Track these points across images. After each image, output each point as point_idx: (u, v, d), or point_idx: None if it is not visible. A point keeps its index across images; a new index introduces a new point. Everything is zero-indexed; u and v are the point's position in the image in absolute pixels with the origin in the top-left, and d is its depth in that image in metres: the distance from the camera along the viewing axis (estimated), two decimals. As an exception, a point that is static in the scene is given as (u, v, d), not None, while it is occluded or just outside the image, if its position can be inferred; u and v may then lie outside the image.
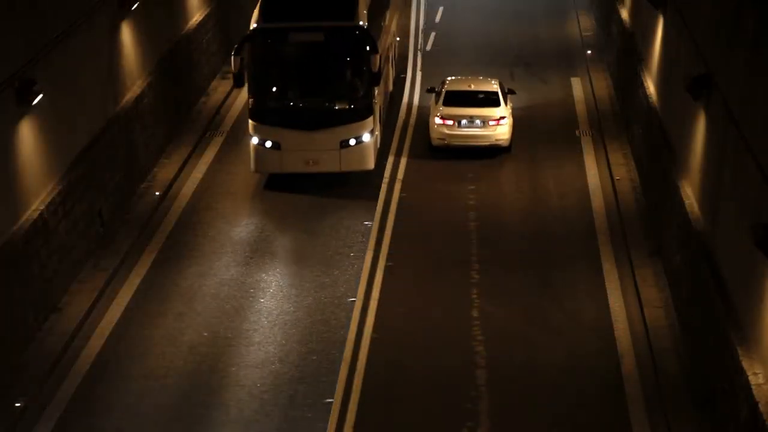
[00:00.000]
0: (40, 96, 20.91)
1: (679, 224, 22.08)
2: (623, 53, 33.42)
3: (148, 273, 24.31)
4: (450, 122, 30.19)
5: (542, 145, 31.23)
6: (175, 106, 31.46)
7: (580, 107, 34.18)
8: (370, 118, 27.84)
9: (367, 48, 26.99)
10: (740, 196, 17.64)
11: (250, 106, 27.90)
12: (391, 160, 30.20)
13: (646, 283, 23.31)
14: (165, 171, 29.11)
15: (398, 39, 37.07)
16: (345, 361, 20.89)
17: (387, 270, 24.45)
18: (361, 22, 27.25)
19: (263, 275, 24.30)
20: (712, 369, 18.36)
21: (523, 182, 28.94)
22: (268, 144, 27.61)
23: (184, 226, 26.56)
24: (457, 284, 23.82)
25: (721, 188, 19.14)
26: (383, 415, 19.49)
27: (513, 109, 31.70)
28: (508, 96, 31.56)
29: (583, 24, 42.60)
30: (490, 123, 30.12)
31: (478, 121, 30.13)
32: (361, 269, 24.38)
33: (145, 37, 28.64)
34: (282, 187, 28.39)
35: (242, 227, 26.53)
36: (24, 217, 21.09)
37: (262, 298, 23.34)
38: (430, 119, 30.89)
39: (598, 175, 29.14)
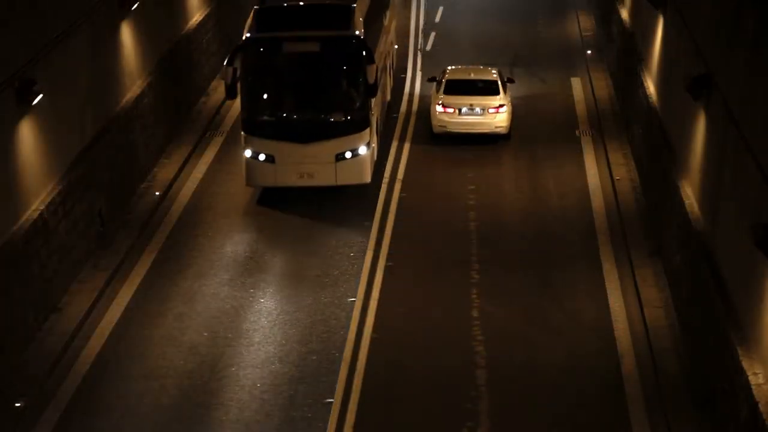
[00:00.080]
0: (40, 96, 20.91)
1: (679, 224, 22.08)
2: (623, 53, 33.43)
3: (148, 273, 24.32)
4: (451, 110, 31.13)
5: (542, 145, 31.24)
6: (175, 106, 31.47)
7: (580, 107, 34.19)
8: (367, 130, 27.05)
9: (364, 58, 26.24)
10: (740, 196, 17.64)
11: (242, 118, 27.12)
12: (389, 164, 30.22)
13: (646, 283, 23.31)
14: (165, 171, 29.11)
15: (396, 47, 36.69)
16: (345, 361, 20.89)
17: (387, 270, 24.45)
18: (357, 32, 26.52)
19: (263, 275, 24.30)
20: (712, 369, 18.36)
21: (523, 182, 28.95)
22: (262, 157, 26.81)
23: (184, 226, 26.56)
24: (457, 284, 23.82)
25: (721, 188, 19.14)
26: (383, 415, 19.49)
27: (513, 99, 32.28)
28: (507, 85, 32.35)
29: (583, 24, 42.61)
30: (490, 111, 31.05)
31: (477, 109, 31.04)
32: (361, 269, 24.39)
33: (145, 37, 28.64)
34: (282, 187, 28.36)
35: (242, 227, 26.53)
36: (24, 217, 21.09)
37: (262, 298, 23.34)
38: (431, 107, 31.83)
39: (598, 175, 29.14)
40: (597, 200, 27.74)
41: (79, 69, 24.00)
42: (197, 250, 25.41)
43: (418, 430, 19.12)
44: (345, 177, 27.07)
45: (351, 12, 26.80)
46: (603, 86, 35.45)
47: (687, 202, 21.49)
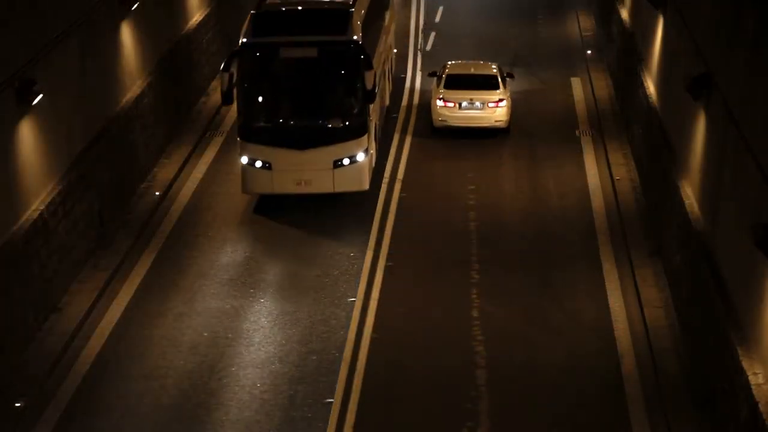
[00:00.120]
0: (40, 96, 20.91)
1: (679, 224, 22.08)
2: (623, 53, 33.43)
3: (148, 273, 24.32)
4: (451, 104, 31.58)
5: (542, 145, 31.24)
6: (175, 106, 31.46)
7: (580, 107, 34.19)
8: (365, 137, 26.61)
9: (362, 63, 25.85)
10: (740, 196, 17.64)
11: (239, 125, 26.66)
12: (389, 164, 30.23)
13: (646, 283, 23.32)
14: (165, 171, 29.11)
15: (395, 51, 36.44)
16: (345, 361, 20.89)
17: (387, 270, 24.45)
18: (355, 37, 26.04)
19: (263, 275, 24.30)
20: (712, 369, 18.36)
21: (523, 182, 28.95)
22: (258, 164, 26.36)
23: (184, 226, 26.56)
24: (457, 284, 23.82)
25: (721, 188, 19.14)
26: (383, 415, 19.49)
27: (513, 96, 32.69)
28: (507, 79, 32.77)
29: (583, 24, 42.61)
30: (489, 105, 31.47)
31: (477, 103, 31.46)
32: (361, 269, 24.39)
33: (145, 37, 28.64)
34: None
35: (242, 227, 26.52)
36: (24, 217, 21.10)
37: (262, 298, 23.34)
38: (432, 101, 32.22)
39: (598, 175, 29.14)
40: (597, 200, 27.74)
41: (79, 69, 24.00)
42: (197, 250, 25.41)
43: (418, 430, 19.11)
44: (343, 184, 26.65)
45: (349, 16, 26.37)
46: (603, 86, 35.46)
47: (687, 202, 21.49)
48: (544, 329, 22.09)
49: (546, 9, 45.51)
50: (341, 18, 26.39)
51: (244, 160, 26.53)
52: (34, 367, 20.42)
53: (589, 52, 38.92)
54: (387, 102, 32.95)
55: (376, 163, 29.29)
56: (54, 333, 21.50)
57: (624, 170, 29.01)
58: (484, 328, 22.11)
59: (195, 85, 33.71)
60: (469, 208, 27.51)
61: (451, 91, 31.66)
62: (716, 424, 17.86)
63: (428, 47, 40.24)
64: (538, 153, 30.74)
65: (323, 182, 26.49)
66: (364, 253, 25.10)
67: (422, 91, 35.50)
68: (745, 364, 16.26)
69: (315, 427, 19.01)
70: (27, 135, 21.24)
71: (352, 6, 26.94)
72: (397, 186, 28.72)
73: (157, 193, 27.71)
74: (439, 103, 31.65)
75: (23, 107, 20.87)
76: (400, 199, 28.01)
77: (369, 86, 25.95)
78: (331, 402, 19.66)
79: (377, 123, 29.15)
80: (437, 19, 44.18)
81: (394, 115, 33.51)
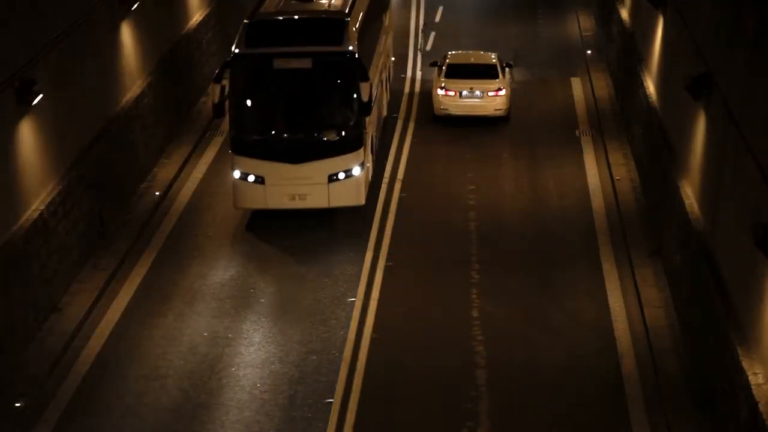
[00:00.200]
0: (40, 96, 20.91)
1: (679, 224, 22.08)
2: (623, 53, 33.43)
3: (148, 273, 24.32)
4: (452, 93, 32.39)
5: (542, 145, 31.25)
6: (175, 106, 31.47)
7: (580, 107, 34.19)
8: (361, 150, 25.85)
9: (358, 75, 25.23)
10: (740, 196, 17.64)
11: (231, 137, 25.91)
12: (389, 164, 30.25)
13: (646, 283, 23.31)
14: (165, 171, 29.11)
15: (393, 59, 36.19)
16: (345, 361, 20.89)
17: (387, 270, 24.45)
18: (350, 47, 25.33)
19: (263, 275, 24.30)
20: (712, 369, 18.36)
21: (523, 182, 28.95)
22: (251, 178, 25.64)
23: (184, 226, 26.56)
24: (457, 284, 23.82)
25: (721, 188, 19.14)
26: (383, 415, 19.49)
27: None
28: (506, 69, 33.48)
29: (583, 24, 42.61)
30: (489, 94, 32.29)
31: (477, 92, 32.26)
32: (361, 269, 24.39)
33: (145, 37, 28.64)
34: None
35: (242, 227, 26.51)
36: (24, 217, 21.10)
37: (262, 298, 23.34)
38: (433, 91, 32.95)
39: (598, 175, 29.14)
40: (597, 200, 27.74)
41: (79, 69, 24.00)
42: (197, 250, 25.41)
43: (418, 430, 19.11)
44: (338, 199, 25.96)
45: (345, 26, 25.67)
46: (603, 86, 35.46)
47: (687, 202, 21.49)
48: (544, 329, 22.09)
49: (546, 9, 45.51)
50: (337, 27, 25.69)
51: (236, 174, 25.80)
52: (34, 367, 20.42)
53: (589, 52, 38.92)
54: (385, 112, 32.33)
55: (375, 163, 29.28)
56: (54, 333, 21.50)
57: (624, 170, 29.01)
58: (484, 328, 22.11)
59: (195, 85, 33.71)
60: (469, 208, 27.50)
61: (451, 81, 32.46)
62: (716, 424, 17.86)
63: (428, 47, 40.23)
64: (538, 153, 30.74)
65: (318, 197, 25.84)
66: (364, 253, 25.09)
67: (422, 91, 35.48)
68: (745, 364, 16.26)
69: (315, 427, 19.01)
70: (27, 135, 21.25)
71: (348, 15, 26.31)
72: (397, 186, 28.72)
73: (157, 193, 27.71)
74: (440, 92, 32.45)
75: (23, 107, 20.87)
76: (400, 199, 28.01)
77: (365, 98, 25.29)
78: (331, 402, 19.66)
79: (374, 135, 28.54)
80: (437, 18, 44.18)
81: (394, 115, 33.52)
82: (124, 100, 27.09)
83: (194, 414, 19.42)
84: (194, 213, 27.25)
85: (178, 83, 31.82)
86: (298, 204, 25.90)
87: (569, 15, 44.32)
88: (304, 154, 25.64)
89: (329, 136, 25.76)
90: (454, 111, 32.50)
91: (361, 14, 27.86)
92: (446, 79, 32.54)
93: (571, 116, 33.48)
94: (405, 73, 37.55)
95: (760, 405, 15.35)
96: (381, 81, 30.66)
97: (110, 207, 25.66)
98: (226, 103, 25.53)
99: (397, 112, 33.89)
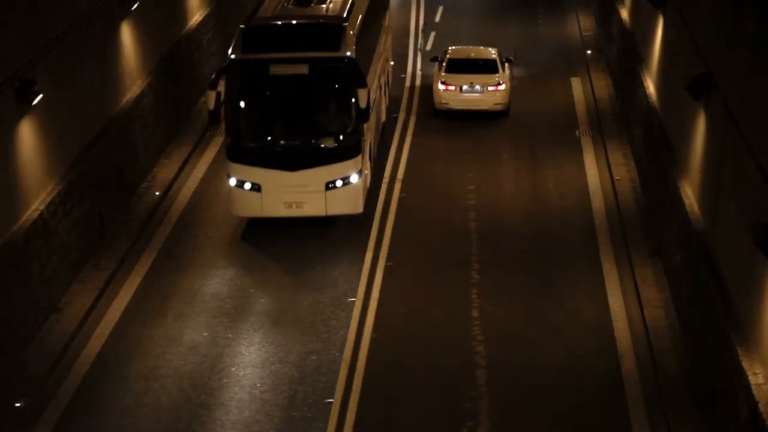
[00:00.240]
0: (40, 96, 20.91)
1: (679, 224, 22.08)
2: (623, 53, 33.43)
3: (148, 273, 24.32)
4: (452, 88, 32.75)
5: (542, 145, 31.25)
6: (175, 106, 31.46)
7: (580, 107, 34.19)
8: (359, 157, 25.46)
9: (355, 81, 24.76)
10: (740, 196, 17.64)
11: (226, 145, 25.50)
12: (389, 163, 30.24)
13: (646, 283, 23.31)
14: (165, 171, 29.11)
15: (392, 63, 36.03)
16: (345, 361, 20.89)
17: (387, 270, 24.45)
18: (348, 53, 24.92)
19: (263, 275, 24.30)
20: (712, 369, 18.36)
21: (523, 182, 28.95)
22: (247, 186, 25.30)
23: (184, 226, 26.56)
24: (457, 284, 23.82)
25: (721, 188, 19.14)
26: (383, 415, 19.49)
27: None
28: (506, 64, 33.82)
29: (583, 24, 42.61)
30: (489, 88, 32.67)
31: (477, 87, 32.66)
32: (361, 269, 24.39)
33: (145, 37, 28.64)
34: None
35: (242, 227, 26.51)
36: (24, 217, 21.10)
37: (262, 298, 23.34)
38: (434, 85, 33.35)
39: (598, 175, 29.14)
40: (597, 200, 27.74)
41: (79, 69, 24.01)
42: (197, 250, 25.41)
43: (418, 430, 19.11)
44: (335, 207, 25.58)
45: (342, 31, 25.25)
46: (603, 86, 35.45)
47: (687, 202, 21.49)
48: (544, 329, 22.09)
49: (546, 9, 45.51)
50: (334, 32, 25.31)
51: (233, 181, 25.46)
52: (34, 367, 20.42)
53: (589, 52, 38.92)
54: (383, 117, 31.98)
55: (375, 163, 29.28)
56: (54, 333, 21.50)
57: (624, 170, 29.01)
58: (484, 328, 22.11)
59: (195, 85, 33.71)
60: (469, 208, 27.51)
61: (452, 75, 32.83)
62: (716, 424, 17.86)
63: (428, 47, 40.22)
64: (538, 153, 30.74)
65: (315, 205, 25.47)
66: (364, 253, 25.09)
67: (422, 92, 35.48)
68: (745, 364, 16.26)
69: (315, 427, 19.01)
70: (27, 135, 21.25)
71: (346, 19, 25.91)
72: (397, 186, 28.72)
73: (157, 193, 27.71)
74: (441, 86, 32.82)
75: (23, 107, 20.87)
76: (400, 199, 28.01)
77: (363, 104, 24.78)
78: (331, 402, 19.66)
79: (372, 141, 28.08)
80: (437, 18, 44.18)
81: (394, 115, 33.52)
82: (124, 100, 27.09)
83: (194, 414, 19.42)
84: (194, 213, 27.26)
85: (178, 83, 31.82)
86: (295, 212, 25.56)
87: (569, 15, 44.32)
88: (301, 161, 25.27)
89: (326, 143, 25.33)
90: (455, 105, 32.90)
91: (360, 18, 27.47)
92: (447, 74, 32.88)
93: (571, 116, 33.48)
94: (405, 73, 37.53)
95: (760, 405, 15.36)
96: (380, 86, 30.32)
97: (110, 207, 25.66)
98: (222, 109, 25.16)
99: (397, 112, 33.89)
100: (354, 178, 25.56)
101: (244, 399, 19.83)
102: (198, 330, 22.07)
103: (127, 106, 27.07)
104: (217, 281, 23.97)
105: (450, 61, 33.29)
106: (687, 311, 20.90)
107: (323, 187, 25.41)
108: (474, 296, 23.31)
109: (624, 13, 34.22)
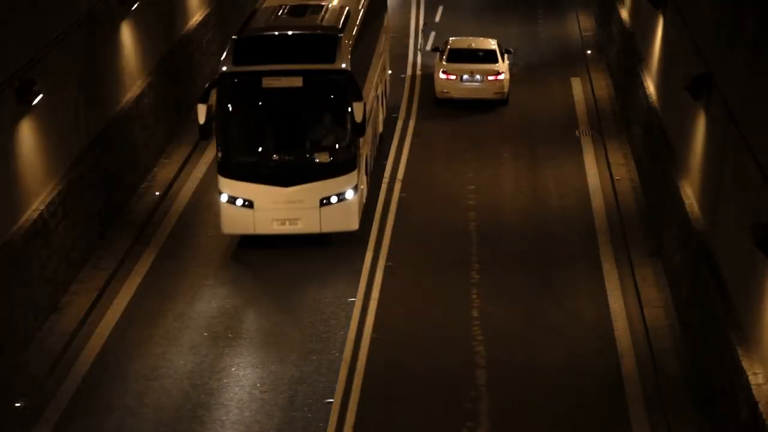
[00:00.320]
0: (40, 96, 20.91)
1: (679, 224, 22.08)
2: (623, 53, 33.43)
3: (148, 273, 24.31)
4: (453, 77, 33.62)
5: (542, 145, 31.25)
6: (175, 106, 31.47)
7: (580, 107, 34.19)
8: (354, 172, 24.81)
9: (351, 94, 24.13)
10: (740, 196, 17.64)
11: (218, 160, 24.86)
12: (389, 163, 30.25)
13: (646, 283, 23.31)
14: (165, 171, 29.11)
15: (390, 72, 35.89)
16: (345, 361, 20.89)
17: (387, 270, 24.45)
18: (343, 65, 24.29)
19: (264, 274, 24.30)
20: (712, 369, 18.36)
21: (523, 182, 28.95)
22: (239, 202, 24.61)
23: (184, 226, 26.56)
24: (457, 284, 23.82)
25: (721, 188, 19.14)
26: (383, 415, 19.49)
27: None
28: (506, 54, 34.78)
29: (583, 24, 42.62)
30: (489, 78, 33.56)
31: (478, 76, 33.52)
32: (361, 269, 24.38)
33: (145, 37, 28.64)
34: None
35: (242, 227, 26.51)
36: (24, 218, 21.10)
37: (263, 298, 23.33)
38: (435, 74, 34.29)
39: (598, 175, 29.14)
40: (597, 200, 27.74)
41: (79, 69, 24.01)
42: (197, 249, 25.41)
43: (418, 430, 19.11)
44: (330, 223, 24.92)
45: (337, 42, 24.61)
46: (603, 86, 35.46)
47: (687, 202, 21.49)
48: (544, 329, 22.09)
49: (546, 9, 45.51)
50: (329, 44, 24.65)
51: (224, 197, 24.77)
52: (34, 367, 20.42)
53: (589, 52, 38.92)
54: (380, 129, 31.36)
55: (375, 163, 29.28)
56: (54, 333, 21.50)
57: (624, 170, 29.01)
58: (484, 328, 22.10)
59: (195, 85, 33.70)
60: (469, 208, 27.50)
61: (452, 65, 33.61)
62: (716, 424, 17.85)
63: (428, 47, 40.21)
64: (538, 153, 30.75)
65: (309, 222, 24.79)
66: (364, 253, 25.09)
67: (422, 92, 35.49)
68: (745, 364, 16.26)
69: (315, 427, 19.01)
70: (27, 135, 21.24)
71: (342, 30, 25.43)
72: (397, 186, 28.72)
73: (157, 193, 27.71)
74: (442, 76, 33.65)
75: (23, 107, 20.87)
76: (400, 199, 28.01)
77: (358, 118, 24.12)
78: (331, 402, 19.66)
79: (369, 155, 27.43)
80: (437, 18, 44.18)
81: (394, 115, 33.53)
82: (124, 100, 27.09)
83: (194, 414, 19.41)
84: (194, 213, 27.25)
85: (178, 83, 31.82)
86: (289, 229, 24.86)
87: (569, 15, 44.32)
88: (295, 176, 24.61)
89: (321, 158, 24.78)
90: (455, 94, 33.72)
91: (356, 28, 26.91)
92: (447, 64, 33.67)
93: (571, 116, 33.49)
94: (405, 73, 37.54)
95: (760, 405, 15.35)
96: (376, 96, 29.71)
97: (110, 207, 25.66)
98: (213, 124, 24.62)
99: (397, 112, 33.89)
100: (350, 194, 24.93)
101: (244, 399, 19.83)
102: (198, 330, 22.07)
103: (127, 106, 27.07)
104: (217, 281, 23.96)
105: (451, 51, 34.18)
106: (687, 311, 20.90)
107: (318, 204, 24.75)
108: (474, 296, 23.31)
109: (624, 13, 34.23)
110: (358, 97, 24.20)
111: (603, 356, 21.10)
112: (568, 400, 19.78)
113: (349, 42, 25.20)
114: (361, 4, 29.11)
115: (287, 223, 24.84)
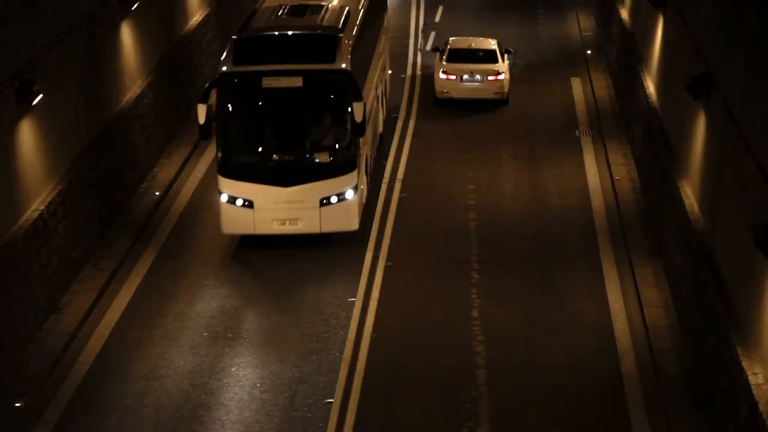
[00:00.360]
0: (40, 96, 20.91)
1: (679, 224, 22.08)
2: (623, 53, 33.43)
3: (148, 273, 24.32)
4: (453, 77, 33.67)
5: (542, 145, 31.25)
6: (175, 106, 31.47)
7: (580, 107, 34.19)
8: (354, 172, 24.82)
9: (351, 94, 24.13)
10: (740, 196, 17.64)
11: (218, 160, 24.89)
12: (390, 163, 30.25)
13: (646, 283, 23.31)
14: (165, 171, 29.11)
15: (390, 72, 35.85)
16: (345, 361, 20.89)
17: (387, 270, 24.45)
18: (343, 65, 24.29)
19: (263, 274, 24.30)
20: (712, 369, 18.36)
21: (523, 182, 28.95)
22: (239, 202, 24.62)
23: (184, 226, 26.56)
24: (457, 284, 23.82)
25: (721, 188, 19.14)
26: (383, 415, 19.49)
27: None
28: (506, 54, 34.89)
29: (583, 24, 42.62)
30: (489, 78, 33.61)
31: (478, 76, 33.58)
32: (361, 269, 24.38)
33: (145, 37, 28.64)
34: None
35: (242, 227, 26.51)
36: (24, 217, 21.10)
37: (263, 298, 23.34)
38: (435, 74, 34.32)
39: (598, 175, 29.14)
40: (597, 200, 27.74)
41: (79, 69, 24.00)
42: (197, 249, 25.41)
43: (418, 430, 19.11)
44: (330, 224, 24.92)
45: (337, 42, 24.61)
46: (603, 86, 35.46)
47: (687, 202, 21.49)
48: (544, 329, 22.09)
49: (546, 9, 45.52)
50: (329, 44, 24.64)
51: (224, 197, 24.78)
52: (34, 367, 20.42)
53: (589, 52, 38.92)
54: (380, 129, 31.35)
55: (374, 163, 29.28)
56: (54, 333, 21.50)
57: (624, 170, 29.01)
58: (484, 328, 22.10)
59: (195, 85, 33.70)
60: (469, 208, 27.51)
61: (452, 65, 33.66)
62: (716, 424, 17.85)
63: (428, 47, 40.22)
64: (538, 153, 30.75)
65: (309, 222, 24.78)
66: (364, 253, 25.09)
67: (422, 92, 35.48)
68: (745, 364, 16.26)
69: (315, 427, 19.01)
70: (27, 135, 21.25)
71: (342, 30, 25.43)
72: (397, 186, 28.72)
73: (157, 193, 27.71)
74: (442, 76, 33.70)
75: (23, 107, 20.87)
76: (400, 199, 28.02)
77: (358, 118, 24.13)
78: (331, 402, 19.66)
79: (369, 155, 27.44)
80: (437, 18, 44.18)
81: (394, 115, 33.54)
82: (124, 100, 27.09)
83: (194, 414, 19.41)
84: (194, 213, 27.26)
85: (178, 83, 31.82)
86: (289, 229, 24.86)
87: (569, 15, 44.32)
88: (295, 176, 24.61)
89: (321, 158, 24.79)
90: (455, 94, 33.77)
91: (356, 28, 26.92)
92: (447, 64, 33.72)
93: (571, 116, 33.49)
94: (405, 73, 37.54)
95: (760, 405, 15.35)
96: (377, 96, 29.71)
97: (110, 207, 25.66)
98: (213, 124, 24.63)
99: (397, 112, 33.90)
100: (350, 194, 24.93)
101: (244, 399, 19.83)
102: (198, 330, 22.07)
103: (127, 106, 27.07)
104: (217, 281, 23.96)
105: (451, 51, 34.22)
106: (687, 311, 20.90)
107: (318, 204, 24.76)
108: (474, 296, 23.31)
109: (624, 13, 34.23)
110: (358, 97, 24.20)
111: (603, 356, 21.10)
112: (568, 400, 19.78)
113: (349, 42, 25.21)
114: (361, 4, 29.10)
115: (287, 223, 24.86)
